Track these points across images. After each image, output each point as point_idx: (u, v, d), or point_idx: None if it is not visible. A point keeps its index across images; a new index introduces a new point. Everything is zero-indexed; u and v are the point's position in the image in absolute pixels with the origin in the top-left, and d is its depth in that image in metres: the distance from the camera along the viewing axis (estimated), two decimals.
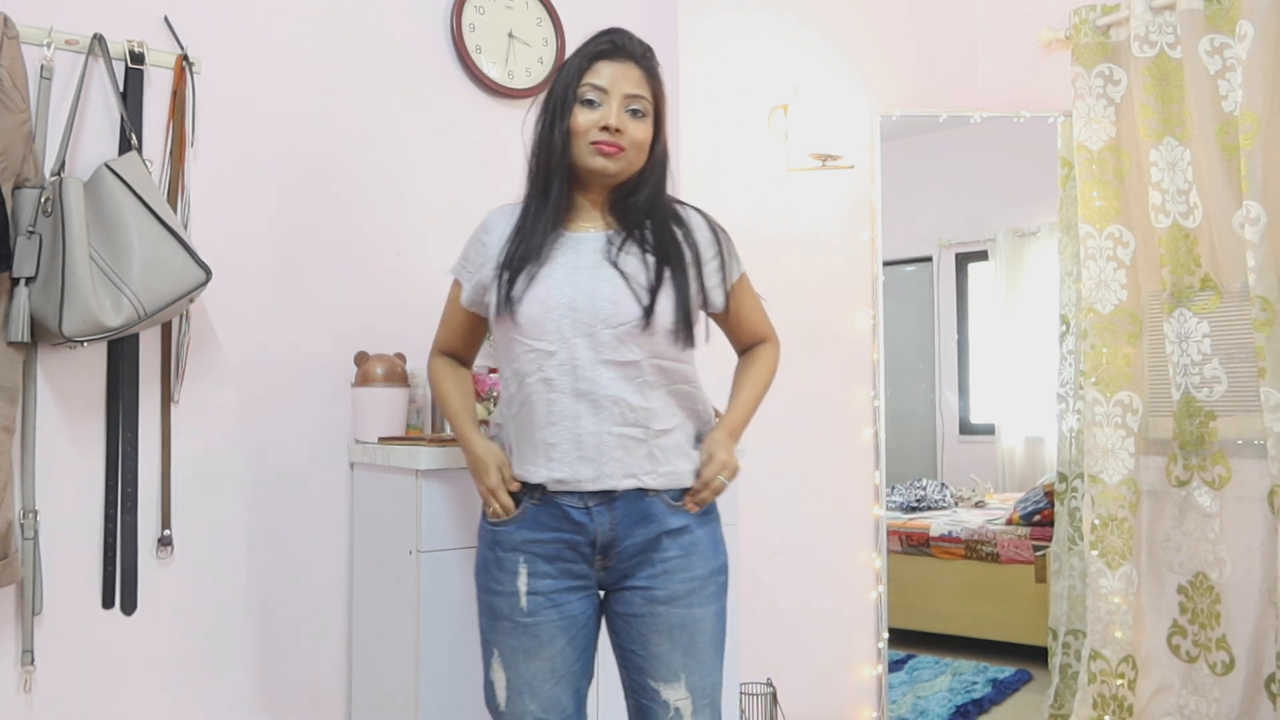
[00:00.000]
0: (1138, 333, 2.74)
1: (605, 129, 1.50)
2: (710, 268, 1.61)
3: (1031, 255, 3.77)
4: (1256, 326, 2.45)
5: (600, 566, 1.55)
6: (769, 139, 2.83)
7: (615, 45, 1.54)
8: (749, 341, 1.73)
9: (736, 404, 1.65)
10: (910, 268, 3.93)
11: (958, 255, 3.94)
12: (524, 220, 1.57)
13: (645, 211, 1.58)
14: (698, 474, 1.56)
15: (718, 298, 1.63)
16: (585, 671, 1.60)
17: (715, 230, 1.65)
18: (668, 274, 1.53)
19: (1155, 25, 2.67)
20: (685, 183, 2.68)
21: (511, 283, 1.52)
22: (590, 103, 1.52)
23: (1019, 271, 3.81)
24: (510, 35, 2.59)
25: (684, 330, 1.53)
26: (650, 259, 1.53)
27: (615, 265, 1.52)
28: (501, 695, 1.58)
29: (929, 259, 3.95)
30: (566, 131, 1.52)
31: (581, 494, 1.51)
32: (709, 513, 1.60)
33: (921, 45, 3.11)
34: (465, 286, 1.66)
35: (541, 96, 1.61)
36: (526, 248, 1.54)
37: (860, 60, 2.99)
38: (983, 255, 3.91)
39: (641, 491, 1.52)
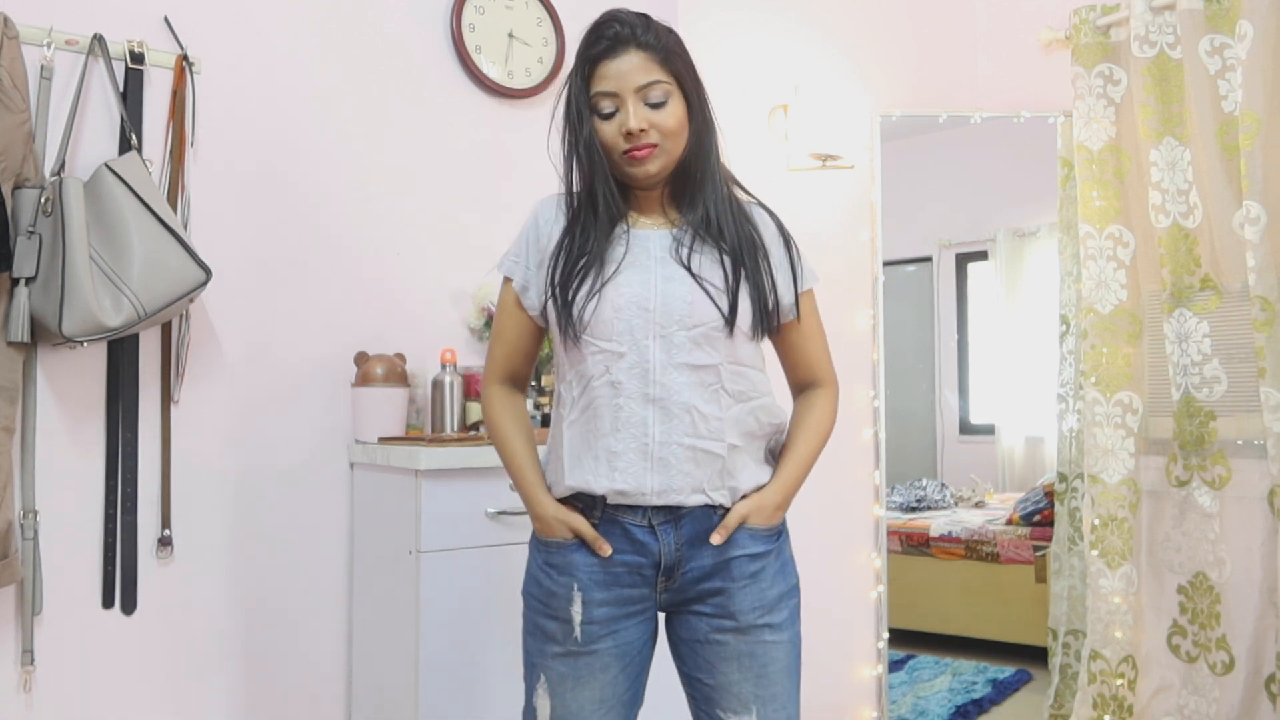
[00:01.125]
0: (1138, 333, 2.74)
1: (629, 134, 1.37)
2: (781, 270, 1.49)
3: (1031, 255, 3.76)
4: (1256, 326, 2.45)
5: (662, 589, 1.43)
6: (769, 139, 2.83)
7: (611, 40, 1.38)
8: (804, 376, 1.56)
9: (788, 466, 1.49)
10: (910, 268, 3.93)
11: (958, 255, 3.93)
12: (577, 219, 1.44)
13: (710, 199, 1.45)
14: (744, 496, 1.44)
15: (789, 299, 1.49)
16: (635, 700, 1.49)
17: (783, 231, 1.53)
18: (743, 273, 1.42)
19: (1155, 25, 2.67)
20: None
21: (580, 281, 1.40)
22: (607, 112, 1.39)
23: (1019, 271, 3.81)
24: (510, 35, 2.60)
25: (761, 328, 1.44)
26: (726, 258, 1.42)
27: (686, 265, 1.41)
28: None
29: (929, 259, 3.95)
30: (597, 149, 1.40)
31: (645, 509, 1.39)
32: (780, 534, 1.50)
33: (921, 45, 3.11)
34: (526, 287, 1.49)
35: (559, 113, 1.46)
36: (588, 243, 1.41)
37: (860, 60, 2.99)
38: (983, 255, 3.91)
39: (710, 510, 1.41)
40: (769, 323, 1.45)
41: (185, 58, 2.12)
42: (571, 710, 1.42)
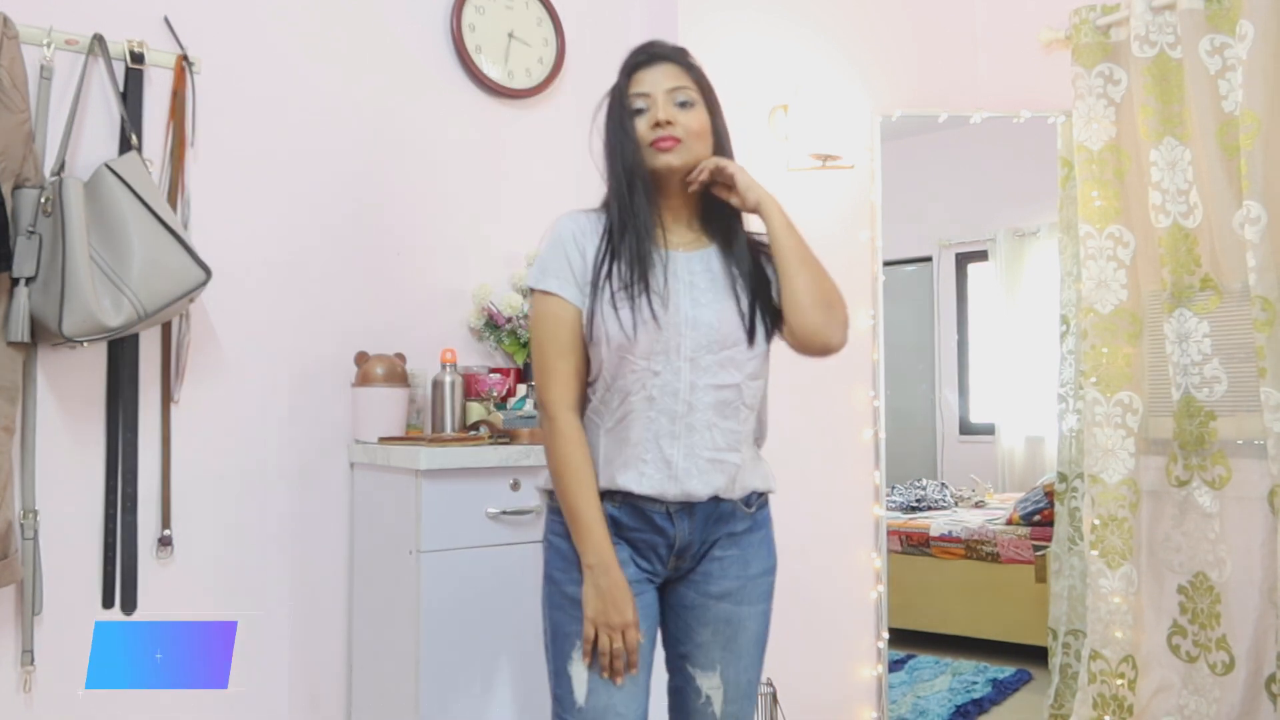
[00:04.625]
0: (1138, 333, 2.74)
1: (657, 125, 1.51)
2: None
3: (1031, 255, 3.77)
4: (1256, 326, 2.45)
5: (673, 566, 1.57)
6: (769, 139, 2.83)
7: (648, 54, 1.57)
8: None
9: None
10: (910, 268, 3.93)
11: (958, 255, 3.94)
12: (617, 236, 1.52)
13: (733, 220, 1.60)
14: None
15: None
16: (650, 663, 1.60)
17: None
18: (757, 293, 1.57)
19: (1155, 25, 2.66)
20: None
21: (630, 301, 1.49)
22: (640, 111, 1.54)
23: (1019, 271, 3.81)
24: (510, 35, 2.59)
25: (768, 344, 1.59)
26: (746, 280, 1.56)
27: (708, 287, 1.54)
28: (581, 691, 1.49)
29: (929, 259, 3.95)
30: (635, 146, 1.53)
31: (664, 502, 1.52)
32: (766, 516, 1.63)
33: (921, 45, 3.11)
34: (577, 302, 1.53)
35: (601, 127, 1.58)
36: (634, 263, 1.50)
37: (860, 60, 2.99)
38: (983, 255, 3.91)
39: (716, 500, 1.54)
40: (777, 328, 1.59)
41: (185, 58, 2.12)
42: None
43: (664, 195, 1.56)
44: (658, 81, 1.53)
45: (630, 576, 1.52)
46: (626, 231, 1.51)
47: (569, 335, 1.52)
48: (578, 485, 1.50)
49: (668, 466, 1.50)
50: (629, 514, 1.53)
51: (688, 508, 1.53)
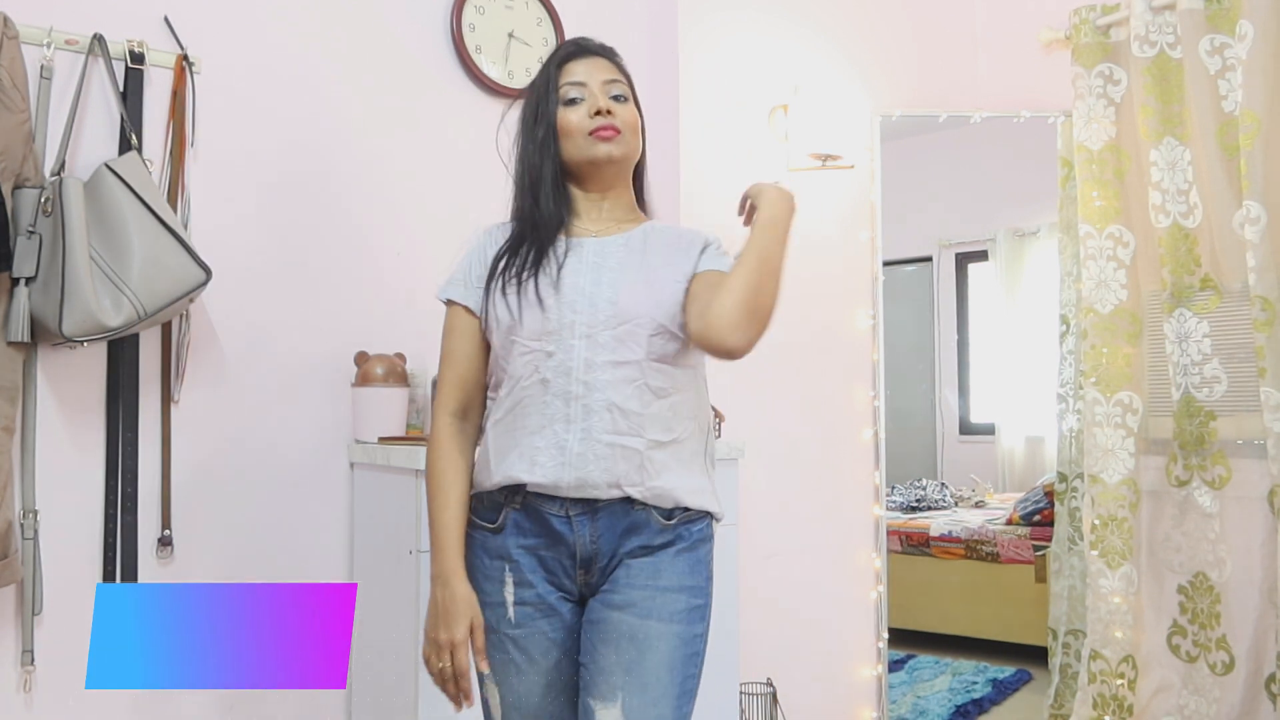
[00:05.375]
0: (1138, 333, 2.74)
1: (598, 114, 1.47)
2: (707, 255, 1.53)
3: (1031, 255, 3.76)
4: (1256, 326, 2.45)
5: (582, 583, 1.44)
6: (769, 139, 2.83)
7: (580, 46, 1.55)
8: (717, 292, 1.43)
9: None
10: (910, 268, 3.93)
11: (958, 255, 3.94)
12: (522, 229, 1.50)
13: (643, 206, 1.59)
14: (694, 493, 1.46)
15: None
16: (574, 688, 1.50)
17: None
18: (669, 269, 1.48)
19: (1155, 25, 2.67)
20: (685, 183, 2.68)
21: (518, 284, 1.45)
22: (573, 100, 1.49)
23: (1019, 271, 3.81)
24: (510, 35, 2.60)
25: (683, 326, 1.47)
26: (651, 255, 1.49)
27: (618, 266, 1.46)
28: (496, 715, 1.46)
29: (929, 259, 3.95)
30: (555, 136, 1.49)
31: (562, 501, 1.41)
32: (696, 533, 1.48)
33: (921, 45, 3.11)
34: (475, 306, 1.50)
35: (517, 115, 1.55)
36: (528, 253, 1.47)
37: (860, 60, 2.99)
38: (983, 255, 3.91)
39: (629, 503, 1.41)
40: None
41: (185, 58, 2.12)
42: (520, 695, 1.43)
43: (585, 185, 1.52)
44: (592, 73, 1.50)
45: (533, 597, 1.43)
46: (528, 225, 1.49)
47: (456, 342, 1.51)
48: (437, 489, 1.45)
49: (561, 452, 1.39)
50: (528, 517, 1.43)
51: (589, 511, 1.41)
